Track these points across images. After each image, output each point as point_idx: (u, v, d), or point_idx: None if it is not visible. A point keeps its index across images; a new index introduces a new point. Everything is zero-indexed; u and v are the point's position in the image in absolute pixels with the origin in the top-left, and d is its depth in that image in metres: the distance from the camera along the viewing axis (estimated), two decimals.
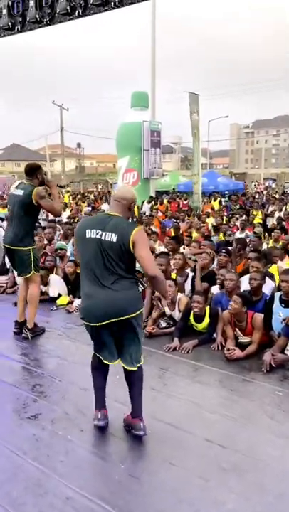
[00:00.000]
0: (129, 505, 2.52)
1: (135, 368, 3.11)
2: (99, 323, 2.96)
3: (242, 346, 4.51)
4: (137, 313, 3.00)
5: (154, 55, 18.14)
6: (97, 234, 2.93)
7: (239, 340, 4.57)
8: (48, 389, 3.92)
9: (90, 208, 17.11)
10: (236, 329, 4.61)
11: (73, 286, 6.71)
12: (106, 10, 5.03)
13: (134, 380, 3.14)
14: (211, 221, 12.06)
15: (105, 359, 3.19)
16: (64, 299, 6.52)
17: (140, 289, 3.06)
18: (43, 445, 3.10)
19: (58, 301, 6.49)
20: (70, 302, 6.35)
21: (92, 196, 23.95)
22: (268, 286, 5.22)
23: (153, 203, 16.35)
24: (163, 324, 5.22)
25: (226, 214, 13.68)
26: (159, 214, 13.90)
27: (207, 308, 4.95)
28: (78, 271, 6.74)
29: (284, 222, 11.20)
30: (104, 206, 18.07)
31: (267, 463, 2.88)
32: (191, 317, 5.04)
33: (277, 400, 3.69)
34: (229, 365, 4.30)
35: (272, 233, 9.43)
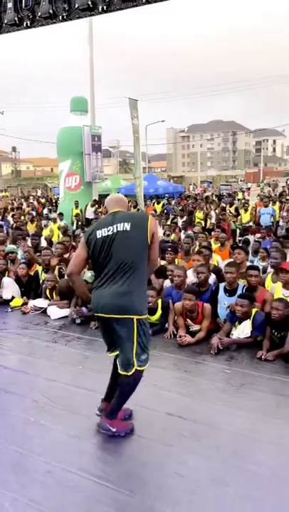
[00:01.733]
0: (104, 472, 2.83)
1: (125, 373, 3.07)
2: (102, 315, 3.04)
3: (193, 334, 4.96)
4: (138, 317, 3.00)
5: (92, 63, 18.45)
6: (108, 231, 3.00)
7: (191, 329, 5.02)
8: (16, 382, 4.12)
9: (33, 213, 17.05)
10: (187, 319, 5.05)
11: (26, 288, 6.87)
12: (54, 22, 5.29)
13: (120, 383, 3.16)
14: None
15: (108, 350, 3.23)
16: (18, 301, 6.65)
17: None
18: (18, 431, 3.33)
19: (12, 303, 6.62)
20: (25, 303, 6.51)
21: (35, 202, 23.77)
22: (211, 278, 5.72)
23: (97, 206, 16.62)
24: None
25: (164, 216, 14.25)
26: None
27: (159, 302, 5.35)
28: (31, 273, 6.93)
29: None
30: (46, 210, 18.07)
31: (221, 429, 3.31)
32: None
33: (226, 376, 4.16)
34: (182, 351, 4.73)
35: (212, 232, 10.08)
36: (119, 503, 2.55)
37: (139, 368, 3.09)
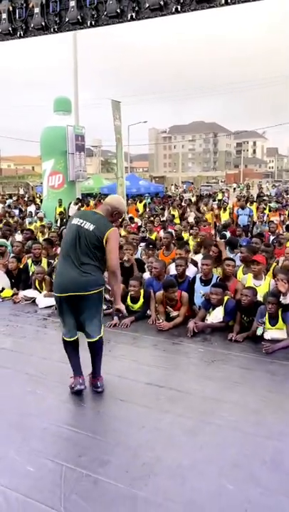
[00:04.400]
0: (92, 428, 3.33)
1: (95, 340, 3.73)
2: (63, 294, 3.64)
3: (172, 319, 5.50)
4: (96, 291, 3.61)
5: (76, 63, 18.84)
6: (79, 222, 3.69)
7: (170, 315, 5.55)
8: (12, 360, 4.58)
9: (17, 210, 17.38)
10: (167, 306, 5.59)
11: (16, 280, 7.30)
12: (46, 34, 5.74)
13: (95, 349, 3.80)
14: (137, 221, 13.06)
15: (65, 335, 3.81)
16: (8, 292, 7.08)
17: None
18: (18, 399, 3.80)
19: (2, 294, 7.03)
20: (15, 294, 6.94)
21: (15, 198, 23.99)
22: (192, 271, 6.26)
23: (80, 204, 17.03)
24: (103, 307, 6.04)
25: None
26: None
27: (141, 291, 5.87)
28: (21, 266, 7.36)
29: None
30: (31, 208, 18.40)
31: (193, 394, 3.84)
32: (128, 299, 5.92)
33: (200, 354, 4.71)
34: (162, 334, 5.26)
35: (191, 230, 10.66)
36: (107, 450, 3.05)
37: (102, 335, 3.81)
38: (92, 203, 18.28)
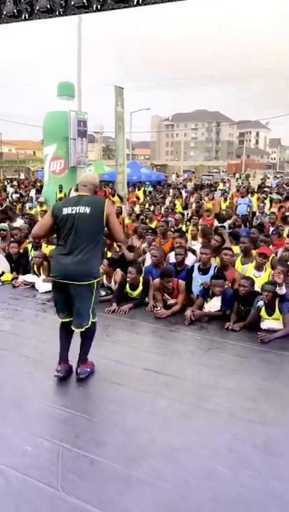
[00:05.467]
0: (89, 410, 3.40)
1: (88, 325, 3.75)
2: (57, 280, 3.67)
3: (169, 307, 5.56)
4: (93, 281, 3.63)
5: (80, 49, 18.60)
6: (72, 210, 3.63)
7: (168, 303, 5.61)
8: (11, 342, 4.64)
9: (18, 195, 17.35)
10: (165, 294, 5.64)
11: (16, 265, 7.34)
12: (51, 17, 5.68)
13: (83, 337, 3.85)
14: (137, 209, 13.07)
15: (59, 315, 3.87)
16: (8, 276, 7.12)
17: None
18: (16, 380, 3.86)
19: (2, 278, 7.08)
20: (15, 278, 6.98)
21: (16, 183, 23.91)
22: (191, 259, 6.31)
23: None
24: (102, 293, 6.09)
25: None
26: None
27: (140, 278, 5.91)
28: (21, 251, 7.39)
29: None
30: (32, 193, 18.38)
31: (189, 380, 3.91)
32: (127, 286, 5.97)
33: (196, 342, 4.77)
34: (159, 321, 5.32)
35: (191, 220, 10.68)
36: (103, 432, 3.12)
37: (94, 320, 3.82)
38: None
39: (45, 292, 6.44)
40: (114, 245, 6.92)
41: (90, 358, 3.97)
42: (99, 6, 5.18)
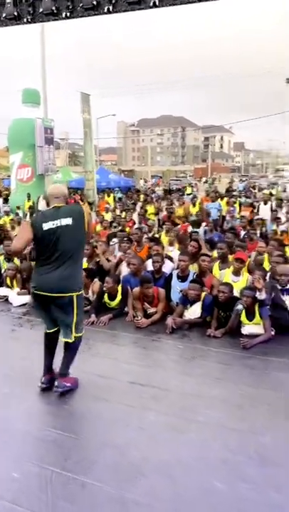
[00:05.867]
0: (76, 429, 3.29)
1: (68, 340, 3.71)
2: (39, 292, 3.58)
3: (150, 316, 5.49)
4: (77, 293, 3.61)
5: (44, 55, 18.43)
6: (53, 224, 3.54)
7: (148, 312, 5.54)
8: None
9: None
10: (145, 303, 5.58)
11: None
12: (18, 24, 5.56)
13: (65, 349, 3.78)
14: (108, 216, 12.97)
15: (46, 327, 3.81)
16: None
17: None
18: None
19: None
20: None
21: None
22: (168, 266, 6.27)
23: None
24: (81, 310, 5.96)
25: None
26: None
27: (119, 288, 5.82)
28: None
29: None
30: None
31: (175, 391, 3.85)
32: (105, 296, 5.87)
33: (179, 351, 4.73)
34: (140, 331, 5.24)
35: (164, 226, 10.68)
36: (92, 452, 3.02)
37: (77, 335, 3.73)
38: None
39: (20, 306, 6.26)
40: (93, 256, 6.81)
41: (73, 372, 3.86)
42: (68, 14, 5.12)
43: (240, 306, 4.97)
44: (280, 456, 2.93)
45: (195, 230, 9.73)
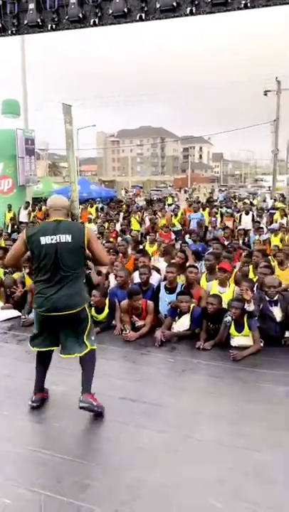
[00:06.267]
0: (69, 449, 3.17)
1: (85, 351, 3.56)
2: (50, 314, 3.42)
3: (138, 329, 5.42)
4: (82, 307, 3.48)
5: (24, 66, 18.38)
6: (52, 239, 3.37)
7: (136, 325, 5.47)
8: None
9: None
10: (133, 316, 5.51)
11: None
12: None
13: (82, 364, 3.62)
14: (91, 226, 12.89)
15: (39, 346, 3.62)
16: None
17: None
18: None
19: None
20: None
21: None
22: (155, 278, 6.23)
23: (30, 209, 16.57)
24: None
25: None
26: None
27: (106, 301, 5.74)
28: None
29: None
30: None
31: (167, 407, 3.78)
32: (93, 310, 5.77)
33: (169, 365, 4.67)
34: (129, 344, 5.16)
35: (147, 236, 10.67)
36: (87, 473, 2.92)
37: (92, 347, 3.60)
38: (43, 208, 17.74)
39: (5, 320, 6.11)
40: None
41: (58, 389, 3.76)
42: (54, 26, 5.10)
43: (228, 318, 4.96)
44: (278, 473, 2.88)
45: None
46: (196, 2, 4.59)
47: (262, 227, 11.51)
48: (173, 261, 6.63)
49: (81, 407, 3.46)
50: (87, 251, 3.49)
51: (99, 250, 3.58)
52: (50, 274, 3.41)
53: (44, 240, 3.39)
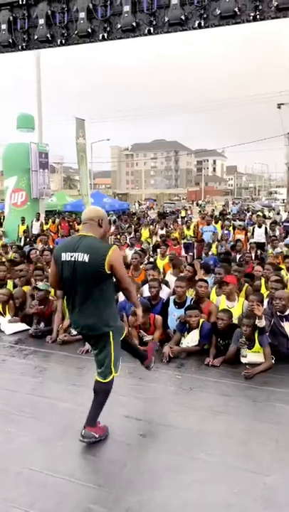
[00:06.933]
0: (71, 470, 3.08)
1: (104, 380, 3.37)
2: (84, 332, 3.41)
3: (145, 344, 5.31)
4: (110, 329, 3.28)
5: (40, 81, 18.69)
6: (71, 257, 3.16)
7: (144, 340, 5.37)
8: None
9: None
10: (140, 330, 5.42)
11: None
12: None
13: (95, 391, 3.43)
14: None
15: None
16: None
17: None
18: None
19: None
20: None
21: None
22: (165, 292, 6.14)
23: (42, 220, 16.70)
24: (74, 332, 5.79)
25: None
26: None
27: None
28: None
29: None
30: None
31: (174, 426, 3.66)
32: None
33: (177, 382, 4.55)
34: (135, 360, 5.04)
35: (158, 249, 10.59)
36: (88, 496, 2.81)
37: (115, 374, 3.40)
38: (57, 221, 17.85)
39: (13, 334, 6.07)
40: None
41: (64, 406, 3.67)
42: (63, 41, 5.14)
43: (244, 352, 4.75)
44: (287, 498, 2.74)
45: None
46: (205, 15, 4.58)
47: (277, 240, 11.36)
48: (181, 274, 6.53)
49: (82, 441, 3.32)
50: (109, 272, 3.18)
51: (119, 275, 3.26)
52: (70, 292, 3.30)
53: (64, 257, 3.22)
